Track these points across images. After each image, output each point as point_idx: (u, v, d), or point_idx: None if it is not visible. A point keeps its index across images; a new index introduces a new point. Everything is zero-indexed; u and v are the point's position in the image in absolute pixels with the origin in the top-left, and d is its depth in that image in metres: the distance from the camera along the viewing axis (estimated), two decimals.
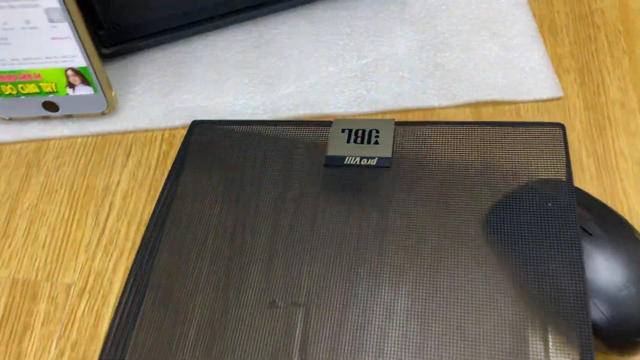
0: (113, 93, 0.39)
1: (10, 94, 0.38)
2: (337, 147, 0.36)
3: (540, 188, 0.34)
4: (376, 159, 0.35)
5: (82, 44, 0.36)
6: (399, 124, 0.37)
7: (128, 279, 0.32)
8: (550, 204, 0.33)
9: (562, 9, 0.44)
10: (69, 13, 0.34)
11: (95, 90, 0.38)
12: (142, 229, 0.36)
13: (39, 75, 0.37)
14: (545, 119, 0.39)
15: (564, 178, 0.33)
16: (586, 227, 0.31)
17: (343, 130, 0.36)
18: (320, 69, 0.42)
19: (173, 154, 0.39)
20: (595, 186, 0.36)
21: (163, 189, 0.36)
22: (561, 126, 0.35)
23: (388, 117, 0.40)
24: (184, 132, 0.40)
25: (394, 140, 0.36)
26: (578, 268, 0.29)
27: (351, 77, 0.42)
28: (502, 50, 0.42)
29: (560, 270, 0.29)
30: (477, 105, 0.40)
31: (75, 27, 0.35)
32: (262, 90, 0.41)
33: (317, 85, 0.41)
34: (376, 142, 0.35)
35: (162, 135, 0.40)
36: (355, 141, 0.36)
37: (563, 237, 0.30)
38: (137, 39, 0.42)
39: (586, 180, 0.36)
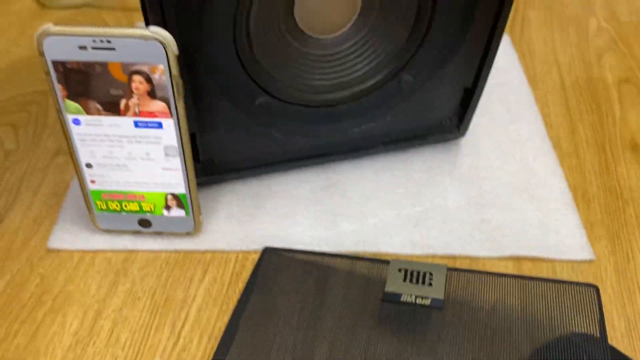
0: (201, 217, 0.45)
1: (113, 209, 0.45)
2: (395, 284, 0.40)
3: (576, 341, 0.37)
4: (430, 299, 0.39)
5: (187, 175, 0.42)
6: (450, 269, 0.41)
7: None
8: (585, 358, 0.36)
9: (594, 182, 0.50)
10: (182, 151, 0.41)
11: (187, 214, 0.44)
12: (213, 341, 0.40)
13: (143, 197, 0.44)
14: (579, 279, 0.43)
15: (598, 334, 0.37)
16: None
17: (400, 270, 0.41)
18: (380, 212, 0.48)
19: (245, 275, 0.44)
20: (625, 344, 0.39)
21: (235, 308, 0.41)
22: (596, 288, 0.39)
23: (437, 261, 0.45)
24: (256, 256, 0.45)
25: (446, 283, 0.40)
26: None
27: (406, 221, 0.47)
28: (540, 212, 0.48)
29: None
30: (518, 259, 0.45)
31: (185, 161, 0.41)
32: (327, 226, 0.47)
33: (376, 226, 0.47)
34: (430, 284, 0.40)
35: (237, 257, 0.45)
36: (410, 281, 0.40)
37: None
38: (225, 173, 0.49)
39: (617, 337, 0.40)
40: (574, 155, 0.54)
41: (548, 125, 0.57)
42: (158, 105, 0.38)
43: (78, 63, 0.36)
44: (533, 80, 0.62)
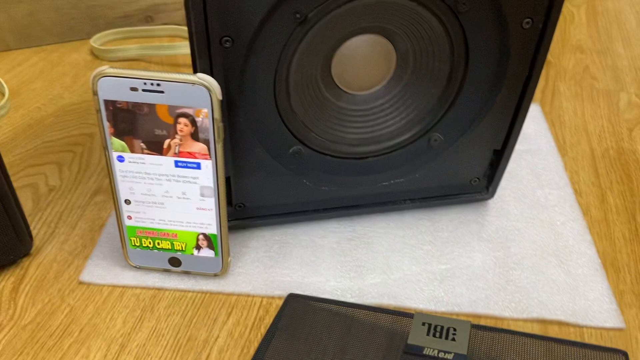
0: (229, 259, 0.46)
1: (146, 246, 0.46)
2: (418, 337, 0.40)
3: None
4: (453, 354, 0.39)
5: (219, 217, 0.44)
6: (474, 326, 0.41)
7: None
8: None
9: (624, 250, 0.50)
10: (218, 192, 0.42)
11: (216, 254, 0.46)
12: None
13: (175, 235, 0.45)
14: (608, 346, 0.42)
15: None
16: None
17: (423, 324, 0.41)
18: (404, 267, 0.48)
19: (267, 319, 0.44)
20: None
21: (256, 352, 0.41)
22: (625, 354, 0.38)
23: (462, 318, 0.44)
24: (279, 301, 0.46)
25: (469, 339, 0.40)
26: None
27: (431, 278, 0.47)
28: (568, 277, 0.47)
29: None
30: (544, 322, 0.44)
31: (218, 203, 0.43)
32: (351, 277, 0.47)
33: (400, 280, 0.47)
34: (453, 339, 0.40)
35: (261, 301, 0.46)
36: (434, 335, 0.40)
37: None
38: (255, 218, 0.50)
39: None
40: (603, 222, 0.53)
41: (577, 192, 0.57)
42: (198, 147, 0.40)
43: (128, 103, 0.39)
44: (562, 149, 0.63)
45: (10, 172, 0.58)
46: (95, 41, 0.78)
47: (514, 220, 0.53)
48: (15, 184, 0.56)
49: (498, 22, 0.42)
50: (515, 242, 0.51)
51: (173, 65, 0.76)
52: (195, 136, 0.40)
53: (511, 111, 0.47)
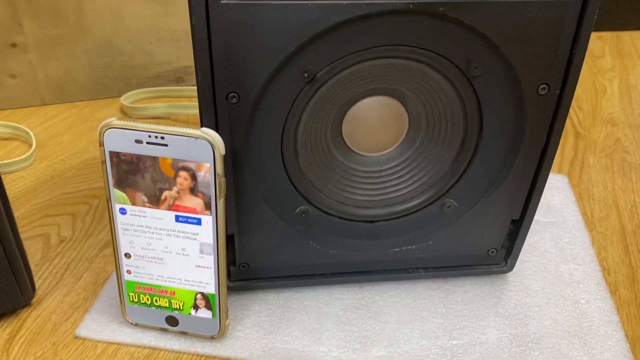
0: (227, 321, 0.45)
1: (144, 302, 0.45)
2: None
3: None
4: None
5: (218, 276, 0.42)
6: None
7: None
8: None
9: None
10: (217, 249, 0.41)
11: (213, 315, 0.44)
12: None
13: (173, 293, 0.44)
14: None
15: None
16: None
17: None
18: (413, 340, 0.45)
19: None
20: None
21: None
22: None
23: None
24: None
25: None
26: None
27: (441, 354, 0.44)
28: None
29: None
30: None
31: (218, 261, 0.42)
32: (355, 348, 0.45)
33: (407, 355, 0.44)
34: None
35: None
36: None
37: None
38: (258, 279, 0.48)
39: None
40: (633, 303, 0.49)
41: (605, 269, 0.53)
42: (195, 202, 0.39)
43: (132, 155, 0.39)
44: (590, 223, 0.60)
45: (25, 221, 0.58)
46: (126, 99, 0.81)
47: (534, 295, 0.49)
48: (27, 233, 0.56)
49: (512, 87, 0.40)
50: (534, 320, 0.47)
51: (197, 125, 0.78)
52: (194, 191, 0.39)
53: (529, 179, 0.45)
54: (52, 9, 0.74)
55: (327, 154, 0.44)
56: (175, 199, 0.40)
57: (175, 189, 0.39)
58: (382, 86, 0.42)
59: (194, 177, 0.39)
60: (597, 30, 1.05)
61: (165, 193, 0.39)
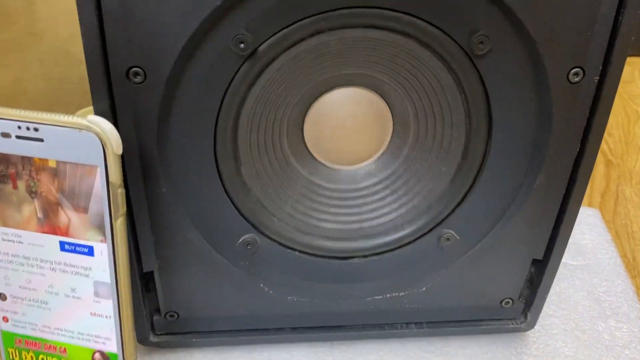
0: None
1: None
2: None
3: None
4: None
5: (121, 329, 0.31)
6: None
7: None
8: None
9: None
10: (117, 293, 0.30)
11: None
12: None
13: (64, 350, 0.32)
14: None
15: None
16: None
17: None
18: None
19: None
20: None
21: None
22: None
23: None
24: None
25: None
26: None
27: None
28: None
29: None
30: None
31: (119, 308, 0.30)
32: None
33: None
34: None
35: None
36: None
37: None
38: (192, 333, 0.37)
39: None
40: None
41: None
42: (84, 222, 0.28)
43: None
44: (632, 268, 0.48)
45: None
46: (84, 114, 0.71)
47: None
48: None
49: (533, 71, 0.29)
50: None
51: None
52: (80, 206, 0.28)
53: (557, 204, 0.34)
54: None
55: (282, 165, 0.33)
56: (57, 217, 0.28)
57: (59, 203, 0.28)
58: (355, 72, 0.31)
59: (80, 186, 0.28)
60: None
61: (32, 207, 0.28)
